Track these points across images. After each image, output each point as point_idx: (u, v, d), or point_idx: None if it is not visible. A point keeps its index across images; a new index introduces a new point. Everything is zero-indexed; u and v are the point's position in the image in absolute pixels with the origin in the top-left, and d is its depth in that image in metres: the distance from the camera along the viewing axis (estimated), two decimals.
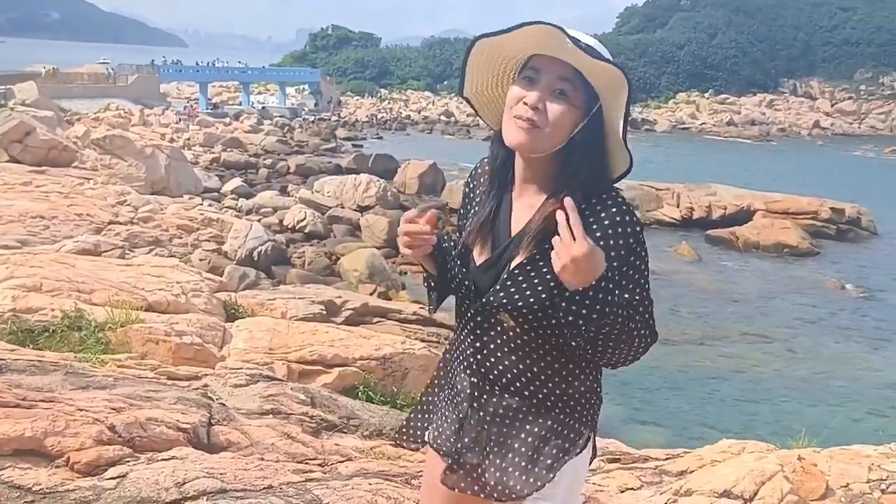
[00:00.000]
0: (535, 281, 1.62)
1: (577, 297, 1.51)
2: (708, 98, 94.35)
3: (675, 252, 23.13)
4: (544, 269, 1.60)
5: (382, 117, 71.56)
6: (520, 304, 1.62)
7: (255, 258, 16.38)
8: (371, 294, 14.40)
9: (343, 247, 19.47)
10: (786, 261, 23.32)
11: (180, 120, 43.91)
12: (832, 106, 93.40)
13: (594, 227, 1.57)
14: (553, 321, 1.62)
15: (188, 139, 37.02)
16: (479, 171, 1.84)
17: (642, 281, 1.63)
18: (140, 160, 21.84)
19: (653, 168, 32.23)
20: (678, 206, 27.81)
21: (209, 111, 52.77)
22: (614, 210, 1.59)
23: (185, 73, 62.40)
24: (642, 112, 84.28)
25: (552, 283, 1.59)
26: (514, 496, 1.70)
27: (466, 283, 1.71)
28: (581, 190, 1.60)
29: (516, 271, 1.63)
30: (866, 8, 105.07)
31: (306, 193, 24.87)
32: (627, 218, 1.59)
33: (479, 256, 1.72)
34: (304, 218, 21.57)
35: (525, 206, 1.69)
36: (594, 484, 3.98)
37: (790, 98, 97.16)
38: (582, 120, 1.61)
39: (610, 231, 1.58)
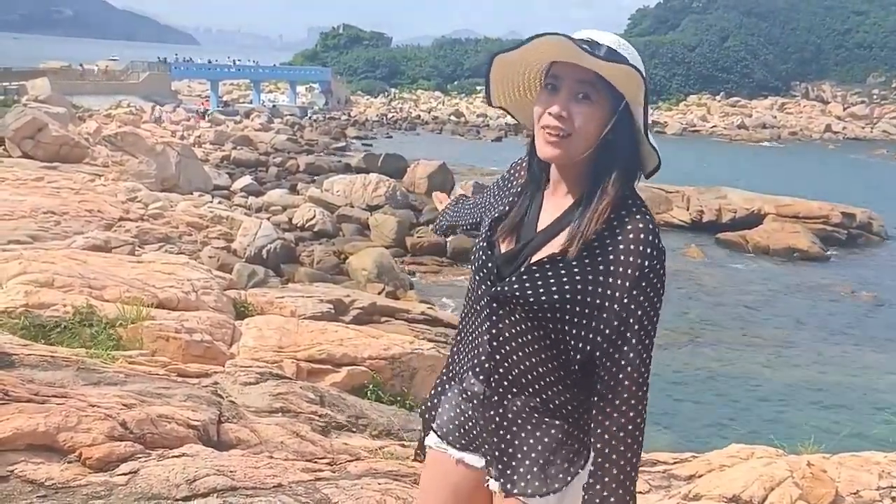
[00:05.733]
0: (552, 280, 1.62)
1: None
2: (719, 101, 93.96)
3: (685, 254, 23.06)
4: (562, 271, 1.61)
5: (392, 117, 71.61)
6: (531, 299, 1.62)
7: (264, 256, 16.42)
8: (379, 293, 14.41)
9: (352, 246, 19.49)
10: (796, 265, 23.21)
11: (190, 118, 44.12)
12: (844, 110, 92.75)
13: (611, 244, 1.59)
14: (563, 325, 1.62)
15: (199, 137, 37.17)
16: (520, 165, 1.87)
17: (651, 312, 1.60)
18: (151, 157, 21.94)
19: (663, 170, 31.96)
20: (688, 209, 27.75)
21: (220, 109, 52.94)
22: (641, 226, 1.59)
23: (196, 70, 62.56)
24: (653, 114, 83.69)
25: (567, 287, 1.60)
26: (515, 493, 1.70)
27: (490, 265, 1.72)
28: (611, 193, 1.61)
29: (535, 267, 1.64)
30: (880, 12, 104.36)
31: (316, 192, 24.91)
32: (650, 238, 1.59)
33: (504, 246, 1.74)
34: (314, 216, 21.61)
35: (554, 205, 1.71)
36: None
37: (802, 102, 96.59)
38: (609, 120, 1.62)
39: (631, 247, 1.58)
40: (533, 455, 1.70)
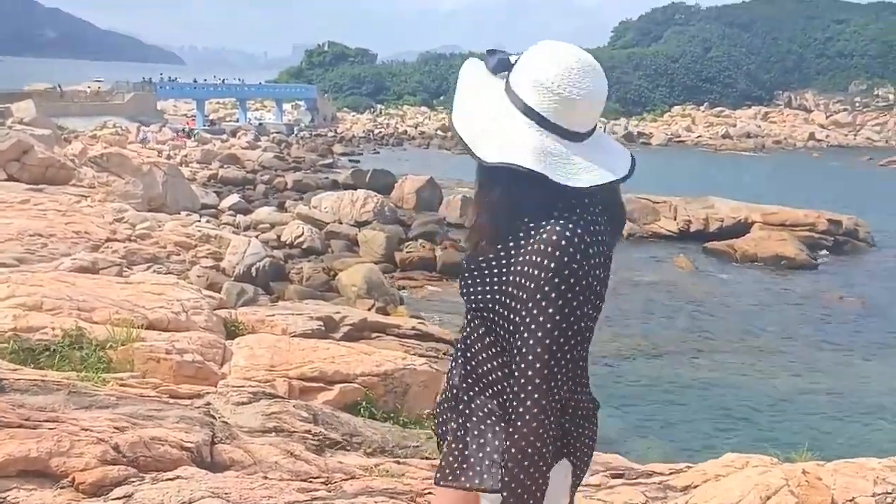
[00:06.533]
0: (478, 281, 1.66)
1: None
2: (703, 111, 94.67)
3: (674, 264, 23.14)
4: (485, 272, 1.65)
5: (379, 133, 71.77)
6: (470, 296, 1.68)
7: (254, 274, 16.36)
8: (369, 309, 14.37)
9: (341, 262, 19.46)
10: (784, 273, 23.33)
11: (176, 136, 44.12)
12: (827, 118, 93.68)
13: (524, 248, 1.58)
14: (496, 327, 1.64)
15: (185, 156, 37.14)
16: None
17: (555, 315, 1.54)
18: (137, 177, 21.86)
19: (650, 181, 32.31)
20: (675, 219, 27.86)
21: (206, 128, 52.91)
22: (548, 228, 1.57)
23: (181, 90, 62.49)
24: (638, 125, 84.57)
25: (488, 288, 1.64)
26: (466, 486, 1.71)
27: (462, 265, 1.78)
28: (485, 204, 1.65)
29: (472, 266, 1.68)
30: (860, 20, 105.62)
31: (304, 209, 24.90)
32: (559, 241, 1.55)
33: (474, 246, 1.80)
34: (302, 234, 21.58)
35: None
36: (599, 501, 3.96)
37: (785, 110, 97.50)
38: None
39: (539, 247, 1.56)
40: (481, 456, 1.70)
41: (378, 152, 56.79)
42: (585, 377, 1.77)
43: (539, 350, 1.55)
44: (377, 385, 6.34)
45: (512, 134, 1.58)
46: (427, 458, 4.46)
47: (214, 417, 4.16)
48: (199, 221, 21.18)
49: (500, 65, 1.67)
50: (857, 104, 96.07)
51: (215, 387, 4.99)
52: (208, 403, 4.42)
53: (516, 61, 1.65)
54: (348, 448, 4.44)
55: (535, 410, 1.55)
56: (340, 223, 23.44)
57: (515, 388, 1.58)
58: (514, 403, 1.58)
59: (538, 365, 1.55)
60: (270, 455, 3.81)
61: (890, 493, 3.88)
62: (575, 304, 1.55)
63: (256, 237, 19.74)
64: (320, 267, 19.08)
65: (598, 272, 1.61)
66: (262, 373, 6.01)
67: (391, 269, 20.23)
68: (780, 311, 19.35)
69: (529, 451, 1.55)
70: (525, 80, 1.60)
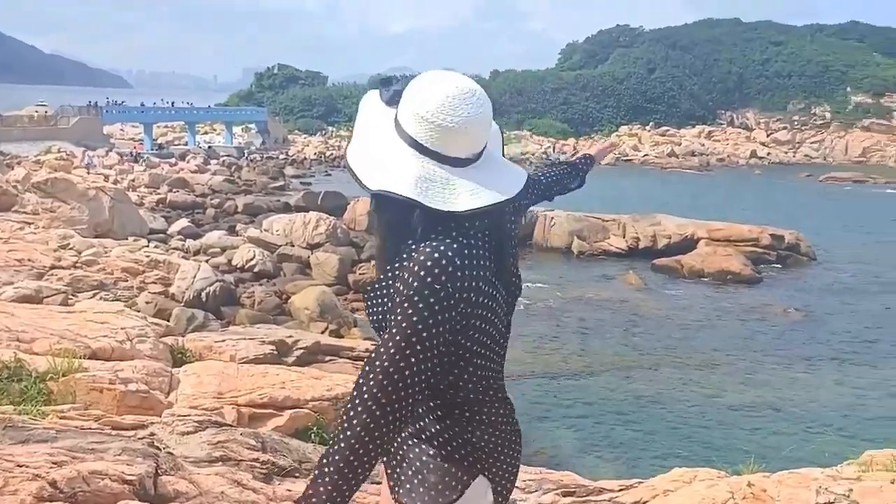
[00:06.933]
0: (374, 301, 1.73)
1: None
2: (649, 131, 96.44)
3: (623, 281, 23.49)
4: (379, 293, 1.71)
5: (331, 155, 71.48)
6: (370, 317, 1.75)
7: (204, 299, 16.13)
8: (323, 332, 14.27)
9: (293, 285, 19.30)
10: (730, 287, 23.83)
11: (123, 160, 43.38)
12: (768, 136, 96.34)
13: (404, 270, 1.61)
14: None
15: (133, 180, 36.53)
16: None
17: (390, 345, 1.56)
18: (83, 203, 21.46)
19: (598, 199, 32.80)
20: (624, 237, 28.30)
21: (154, 151, 52.12)
22: (421, 248, 1.60)
23: (129, 114, 61.42)
24: (588, 146, 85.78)
25: (379, 308, 1.71)
26: (403, 500, 1.73)
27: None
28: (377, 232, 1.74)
29: (370, 288, 1.75)
30: (796, 42, 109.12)
31: (255, 232, 24.65)
32: (427, 262, 1.58)
33: None
34: (253, 257, 21.35)
35: None
36: None
37: (728, 129, 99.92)
38: None
39: (410, 265, 1.59)
40: (409, 474, 1.73)
41: (330, 174, 56.53)
42: (495, 386, 1.78)
43: (384, 358, 1.56)
44: (328, 409, 6.29)
45: (395, 163, 1.63)
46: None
47: (159, 448, 4.07)
48: (148, 247, 20.85)
49: (394, 97, 1.71)
50: (796, 123, 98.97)
51: (160, 416, 4.89)
52: (152, 434, 4.32)
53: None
54: (297, 475, 4.38)
55: (357, 425, 1.55)
56: (292, 246, 23.25)
57: (353, 390, 1.60)
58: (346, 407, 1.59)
59: (378, 370, 1.56)
60: (216, 485, 3.74)
61: (832, 503, 3.97)
62: (431, 321, 1.56)
63: (206, 262, 19.48)
64: (272, 290, 18.90)
65: (471, 295, 1.61)
66: (209, 401, 5.91)
67: (344, 291, 20.13)
68: (726, 326, 19.74)
69: (335, 452, 1.57)
70: (407, 112, 1.65)
